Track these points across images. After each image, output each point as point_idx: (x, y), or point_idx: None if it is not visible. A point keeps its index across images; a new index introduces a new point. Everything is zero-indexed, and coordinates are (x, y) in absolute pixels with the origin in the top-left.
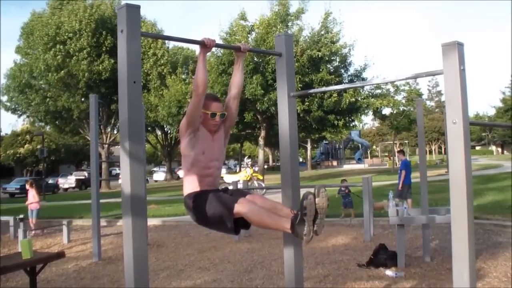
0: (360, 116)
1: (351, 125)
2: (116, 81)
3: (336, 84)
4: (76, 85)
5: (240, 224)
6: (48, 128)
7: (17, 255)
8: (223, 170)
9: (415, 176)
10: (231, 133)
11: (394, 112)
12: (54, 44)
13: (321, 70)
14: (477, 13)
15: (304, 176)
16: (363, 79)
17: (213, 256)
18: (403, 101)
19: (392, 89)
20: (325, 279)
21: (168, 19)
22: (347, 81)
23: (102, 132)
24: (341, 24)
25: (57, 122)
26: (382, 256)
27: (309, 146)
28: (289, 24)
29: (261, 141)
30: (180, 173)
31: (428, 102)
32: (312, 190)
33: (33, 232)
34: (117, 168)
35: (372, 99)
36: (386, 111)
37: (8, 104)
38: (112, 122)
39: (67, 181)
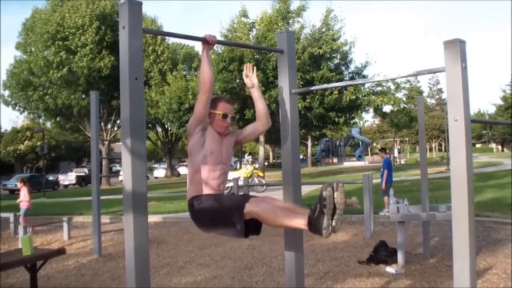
0: (361, 113)
1: (352, 122)
2: (116, 77)
3: (337, 81)
4: (77, 82)
5: (250, 227)
6: (48, 124)
7: (17, 251)
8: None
9: (416, 174)
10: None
11: (395, 109)
12: (54, 41)
13: (322, 67)
14: (478, 13)
15: (304, 173)
16: (364, 77)
17: (214, 252)
18: (404, 98)
19: (392, 87)
20: (326, 275)
21: (168, 19)
22: (347, 79)
23: (103, 129)
24: (342, 21)
25: (57, 118)
26: (383, 253)
27: (309, 143)
28: (290, 21)
29: (261, 138)
30: (181, 169)
31: (428, 100)
32: (329, 184)
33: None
34: (117, 165)
35: (373, 97)
36: (387, 108)
37: (9, 99)
38: (113, 119)
39: (67, 178)
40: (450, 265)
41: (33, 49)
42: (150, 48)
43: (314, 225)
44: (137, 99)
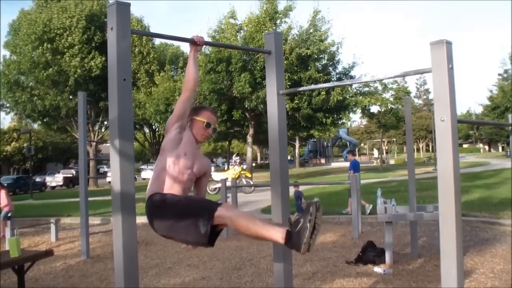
0: (348, 114)
1: (339, 123)
2: (105, 78)
3: (325, 82)
4: (65, 83)
5: (213, 234)
6: (35, 126)
7: (4, 253)
8: (211, 168)
9: (403, 174)
10: (218, 131)
11: (382, 110)
12: (41, 42)
13: (309, 68)
14: (465, 13)
15: (292, 173)
16: (351, 77)
17: (202, 253)
18: (391, 99)
19: (380, 87)
20: (314, 276)
21: (154, 19)
22: (335, 79)
23: (90, 130)
24: (329, 22)
25: (44, 119)
26: (371, 253)
27: (297, 144)
28: (278, 22)
29: (249, 139)
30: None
31: (416, 100)
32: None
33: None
34: (104, 166)
35: (360, 97)
36: (374, 109)
37: None
38: (100, 120)
39: (55, 179)
40: (437, 265)
41: (21, 49)
42: (137, 49)
43: (293, 240)
44: (126, 100)
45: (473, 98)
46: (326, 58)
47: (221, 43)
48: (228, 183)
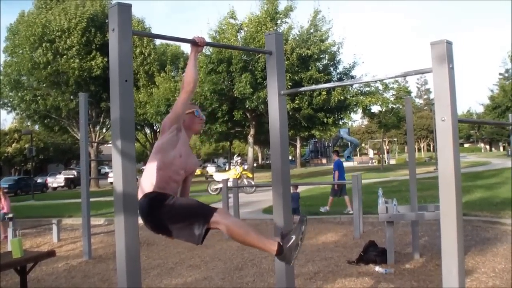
0: (349, 114)
1: (340, 122)
2: (106, 78)
3: (326, 82)
4: (66, 83)
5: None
6: (36, 127)
7: (7, 254)
8: (213, 168)
9: (404, 174)
10: (219, 132)
11: (383, 110)
12: (41, 43)
13: (310, 68)
14: (465, 13)
15: (294, 174)
16: (352, 77)
17: (204, 254)
18: (392, 99)
19: (381, 87)
20: (316, 276)
21: (154, 19)
22: (336, 79)
23: (91, 131)
24: (330, 22)
25: (45, 121)
26: (372, 253)
27: (298, 144)
28: (278, 22)
29: (250, 139)
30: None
31: (417, 100)
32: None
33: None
34: (106, 167)
35: (361, 97)
36: (375, 109)
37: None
38: (101, 120)
39: (56, 180)
40: (439, 264)
41: (20, 51)
42: (138, 50)
43: (285, 254)
44: (127, 101)
45: (474, 98)
46: (326, 58)
47: (222, 44)
48: (230, 184)
